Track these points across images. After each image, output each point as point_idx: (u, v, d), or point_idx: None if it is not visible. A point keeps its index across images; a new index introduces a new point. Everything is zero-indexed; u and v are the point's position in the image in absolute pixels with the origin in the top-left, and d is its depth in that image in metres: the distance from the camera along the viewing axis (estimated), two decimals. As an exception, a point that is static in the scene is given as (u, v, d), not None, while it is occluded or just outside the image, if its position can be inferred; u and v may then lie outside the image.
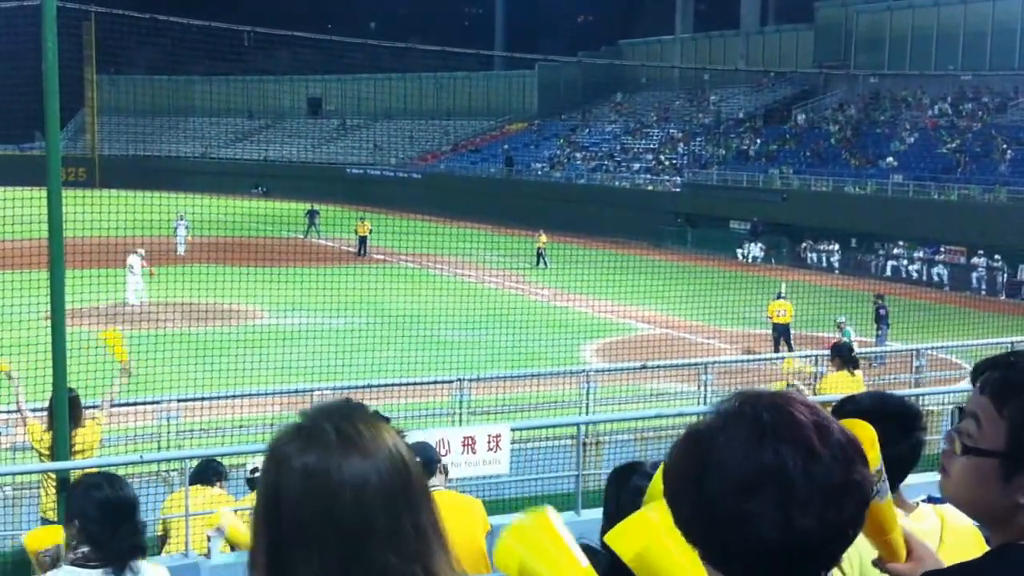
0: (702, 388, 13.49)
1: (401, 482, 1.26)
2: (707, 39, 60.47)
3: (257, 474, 7.43)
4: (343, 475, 1.22)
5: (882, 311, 20.86)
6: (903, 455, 2.34)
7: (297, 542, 1.23)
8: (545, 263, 33.65)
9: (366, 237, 35.07)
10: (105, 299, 17.11)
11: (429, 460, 4.92)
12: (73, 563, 3.53)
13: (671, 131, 53.52)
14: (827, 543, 1.18)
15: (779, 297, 21.04)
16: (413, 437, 5.91)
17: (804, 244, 37.84)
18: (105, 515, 3.49)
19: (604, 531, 2.40)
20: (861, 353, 12.92)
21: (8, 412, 10.20)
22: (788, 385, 9.35)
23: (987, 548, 1.63)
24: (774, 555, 1.16)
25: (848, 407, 2.34)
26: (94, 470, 8.23)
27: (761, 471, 1.16)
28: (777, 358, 17.29)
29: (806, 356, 14.76)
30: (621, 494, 2.49)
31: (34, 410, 8.06)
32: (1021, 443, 1.47)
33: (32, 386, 8.09)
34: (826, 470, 1.16)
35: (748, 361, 17.67)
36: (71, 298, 7.53)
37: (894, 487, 2.12)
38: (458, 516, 4.77)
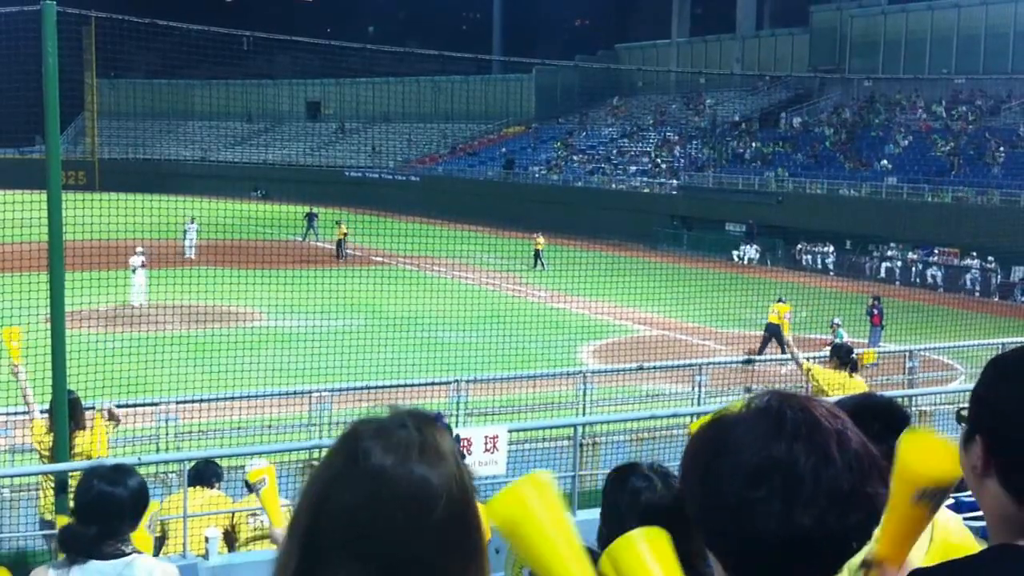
0: (696, 389, 13.55)
1: (460, 522, 1.16)
2: (703, 43, 60.61)
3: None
4: (415, 486, 1.13)
5: (876, 312, 20.97)
6: (887, 454, 2.41)
7: (339, 546, 1.12)
8: (543, 265, 33.71)
9: (342, 240, 35.16)
10: (105, 302, 17.16)
11: None
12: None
13: (667, 134, 53.62)
14: (826, 548, 1.18)
15: (780, 301, 21.16)
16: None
17: (799, 246, 37.93)
18: (80, 503, 3.41)
19: (600, 532, 2.46)
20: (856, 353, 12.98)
21: (7, 414, 10.25)
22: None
23: (978, 547, 1.64)
24: (771, 550, 1.17)
25: None
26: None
27: (771, 463, 1.17)
28: (772, 359, 17.37)
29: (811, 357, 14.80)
30: (619, 495, 2.50)
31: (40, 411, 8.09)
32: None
33: (33, 389, 8.14)
34: (836, 476, 1.17)
35: (743, 362, 17.72)
36: (71, 301, 7.59)
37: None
38: None
